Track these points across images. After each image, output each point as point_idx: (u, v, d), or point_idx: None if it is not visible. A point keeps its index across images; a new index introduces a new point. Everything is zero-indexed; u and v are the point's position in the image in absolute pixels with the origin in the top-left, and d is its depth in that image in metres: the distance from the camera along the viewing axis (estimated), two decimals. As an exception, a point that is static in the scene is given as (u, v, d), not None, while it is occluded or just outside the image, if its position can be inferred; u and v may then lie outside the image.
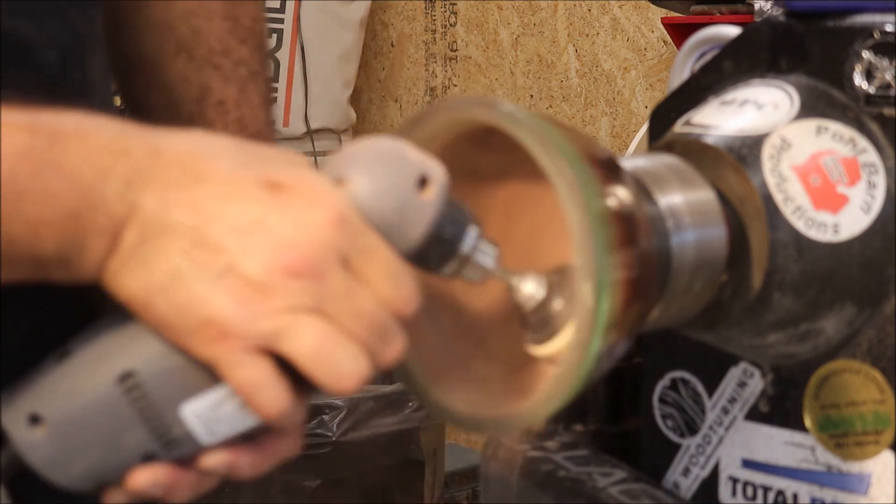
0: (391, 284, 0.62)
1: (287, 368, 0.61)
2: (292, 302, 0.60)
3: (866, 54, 0.80)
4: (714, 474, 0.88)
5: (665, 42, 2.59)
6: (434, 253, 0.65)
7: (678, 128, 0.82)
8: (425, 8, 3.04)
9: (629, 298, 0.67)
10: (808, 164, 0.78)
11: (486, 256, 0.66)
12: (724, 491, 0.88)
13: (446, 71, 3.03)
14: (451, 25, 3.00)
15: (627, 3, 2.67)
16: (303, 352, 0.60)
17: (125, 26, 0.94)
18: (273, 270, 0.60)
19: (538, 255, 0.72)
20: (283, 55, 2.84)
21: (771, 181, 0.77)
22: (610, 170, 0.69)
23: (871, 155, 0.79)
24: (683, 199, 0.75)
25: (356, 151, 0.64)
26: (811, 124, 0.80)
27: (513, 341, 0.71)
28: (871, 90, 0.80)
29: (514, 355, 0.72)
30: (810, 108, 0.80)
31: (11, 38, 0.74)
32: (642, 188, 0.73)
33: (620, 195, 0.68)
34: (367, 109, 3.19)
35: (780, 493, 0.84)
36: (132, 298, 0.61)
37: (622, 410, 0.98)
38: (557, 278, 0.68)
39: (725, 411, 0.87)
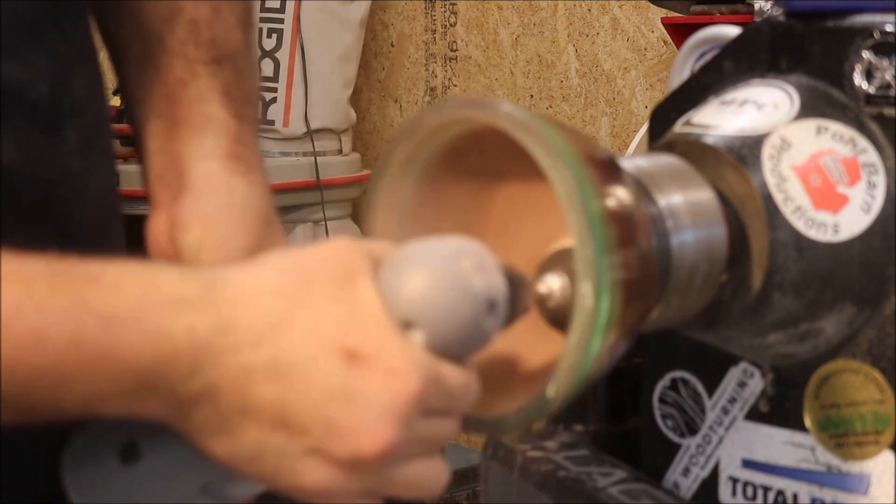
0: (468, 404, 0.64)
1: None
2: (382, 471, 0.61)
3: (866, 54, 0.80)
4: (714, 474, 0.88)
5: (665, 42, 2.59)
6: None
7: (678, 128, 0.82)
8: (425, 8, 3.04)
9: (629, 298, 0.67)
10: (808, 164, 0.78)
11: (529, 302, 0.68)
12: (724, 491, 0.88)
13: (446, 71, 3.03)
14: (451, 25, 3.00)
15: (627, 3, 2.67)
16: (397, 493, 0.62)
17: None
18: (359, 455, 0.60)
19: (540, 254, 0.72)
20: (283, 55, 2.84)
21: (771, 181, 0.77)
22: (610, 170, 0.69)
23: (871, 155, 0.79)
24: (683, 199, 0.75)
25: (421, 284, 0.62)
26: (811, 124, 0.80)
27: (513, 341, 0.71)
28: (871, 90, 0.80)
29: (513, 355, 0.72)
30: (810, 108, 0.80)
31: (8, 84, 0.73)
32: (642, 188, 0.73)
33: (620, 195, 0.68)
34: (367, 109, 3.19)
35: (780, 493, 0.84)
36: (214, 453, 0.61)
37: (622, 410, 0.98)
38: (564, 261, 0.69)
39: (725, 411, 0.87)
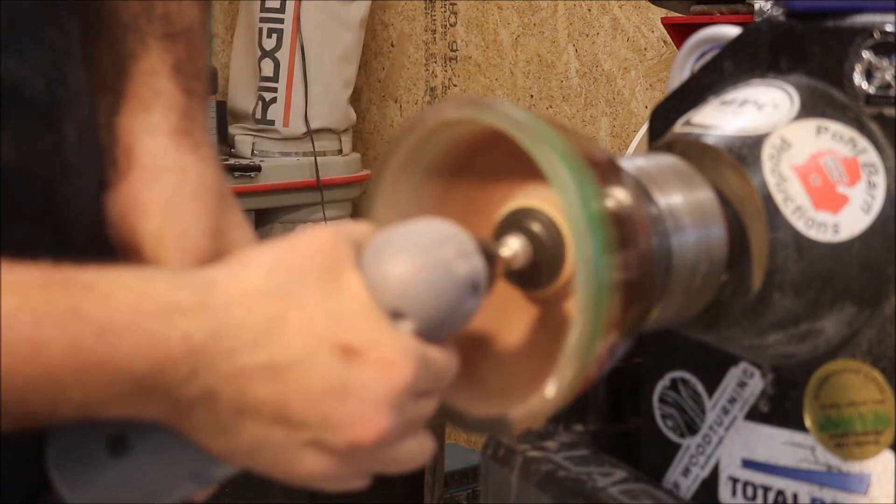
0: (449, 380, 0.66)
1: None
2: (378, 457, 0.64)
3: (866, 54, 0.80)
4: (714, 474, 0.88)
5: (665, 42, 2.59)
6: None
7: (678, 128, 0.82)
8: (425, 8, 3.04)
9: (629, 299, 0.67)
10: (808, 164, 0.78)
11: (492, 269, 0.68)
12: (724, 491, 0.88)
13: (446, 71, 3.03)
14: (451, 25, 3.00)
15: (627, 3, 2.67)
16: (387, 469, 0.66)
17: None
18: (356, 444, 0.62)
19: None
20: (283, 55, 2.84)
21: (771, 181, 0.77)
22: (609, 170, 0.69)
23: (871, 155, 0.79)
24: (683, 199, 0.75)
25: (407, 274, 0.63)
26: (811, 124, 0.80)
27: (513, 342, 0.71)
28: (871, 90, 0.80)
29: (514, 355, 0.72)
30: (810, 108, 0.80)
31: (6, 79, 0.73)
32: (642, 188, 0.73)
33: (620, 196, 0.68)
34: (367, 109, 3.19)
35: (780, 493, 0.84)
36: (211, 448, 0.63)
37: (622, 410, 0.98)
38: (519, 221, 0.69)
39: (725, 411, 0.87)
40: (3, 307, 0.58)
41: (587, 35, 2.74)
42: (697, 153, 0.79)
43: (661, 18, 1.87)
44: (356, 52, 2.95)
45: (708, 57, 1.03)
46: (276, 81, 2.85)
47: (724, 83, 0.85)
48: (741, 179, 0.77)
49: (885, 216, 0.79)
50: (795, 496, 0.84)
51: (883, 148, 0.80)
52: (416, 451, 0.65)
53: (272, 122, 2.84)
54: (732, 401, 0.87)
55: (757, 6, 0.87)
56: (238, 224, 0.82)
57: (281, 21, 2.84)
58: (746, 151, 0.78)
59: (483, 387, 0.71)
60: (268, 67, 2.85)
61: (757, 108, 0.80)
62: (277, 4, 2.84)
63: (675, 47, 1.82)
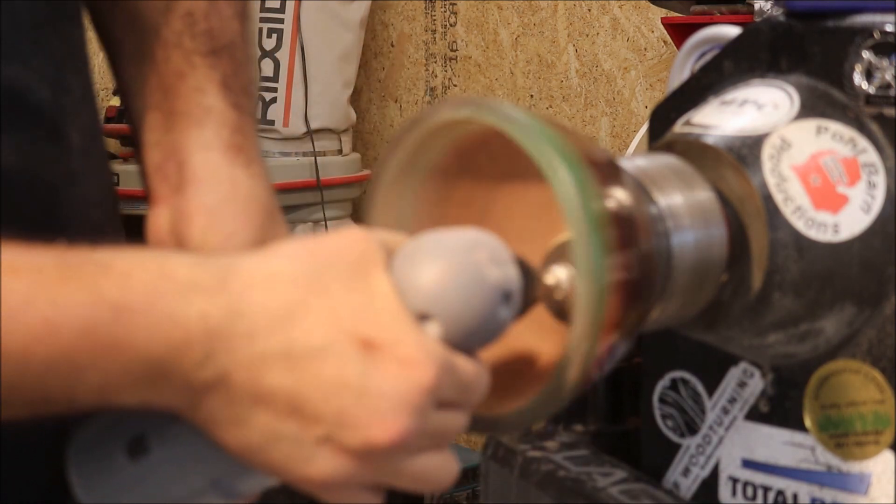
0: (479, 397, 0.64)
1: None
2: (392, 463, 0.61)
3: (866, 54, 0.80)
4: (714, 474, 0.88)
5: (665, 42, 2.59)
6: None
7: (678, 128, 0.82)
8: (425, 8, 3.04)
9: (629, 299, 0.67)
10: (808, 164, 0.78)
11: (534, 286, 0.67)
12: (724, 491, 0.88)
13: (446, 71, 3.03)
14: (451, 25, 3.00)
15: (627, 3, 2.67)
16: (406, 485, 0.62)
17: None
18: (371, 445, 0.60)
19: (540, 255, 0.72)
20: (283, 55, 2.84)
21: (771, 181, 0.77)
22: (609, 171, 0.69)
23: (871, 155, 0.79)
24: (683, 200, 0.75)
25: (436, 276, 0.62)
26: (811, 124, 0.80)
27: (513, 341, 0.71)
28: (871, 90, 0.80)
29: (518, 351, 0.72)
30: (810, 108, 0.80)
31: (11, 86, 0.73)
32: (642, 189, 0.73)
33: (620, 196, 0.68)
34: (367, 109, 3.19)
35: (780, 493, 0.84)
36: (224, 443, 0.61)
37: (622, 410, 0.98)
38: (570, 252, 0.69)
39: (725, 411, 0.87)
40: (18, 287, 0.57)
41: (587, 35, 2.74)
42: (697, 153, 0.79)
43: (661, 18, 1.87)
44: (356, 52, 2.95)
45: (708, 57, 1.03)
46: (276, 81, 2.84)
47: (724, 83, 0.85)
48: (741, 179, 0.77)
49: (885, 216, 0.79)
50: (795, 496, 0.84)
51: (883, 148, 0.80)
52: (437, 468, 0.62)
53: (272, 122, 2.84)
54: (732, 401, 0.87)
55: (757, 6, 0.87)
56: (290, 239, 0.81)
57: (281, 21, 2.84)
58: (746, 151, 0.78)
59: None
60: (268, 67, 2.85)
61: (757, 108, 0.80)
62: (277, 4, 2.84)
63: (675, 47, 1.82)
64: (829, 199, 0.78)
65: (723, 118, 0.80)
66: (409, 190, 0.72)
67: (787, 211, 0.77)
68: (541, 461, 0.92)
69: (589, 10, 2.73)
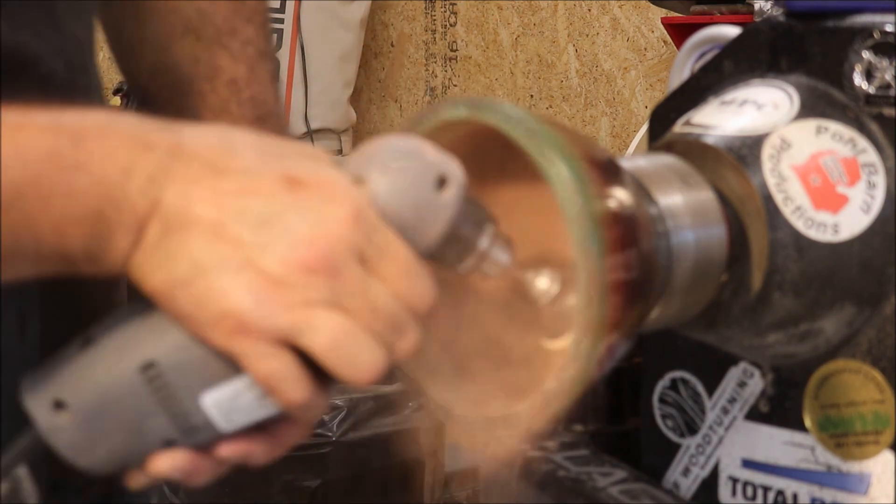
0: (407, 281, 0.63)
1: (307, 360, 0.63)
2: (309, 297, 0.61)
3: (866, 54, 0.80)
4: (714, 474, 0.88)
5: (665, 42, 2.59)
6: (451, 250, 0.66)
7: (678, 128, 0.82)
8: (425, 8, 3.04)
9: (629, 299, 0.67)
10: (808, 164, 0.78)
11: (503, 253, 0.67)
12: (724, 491, 0.88)
13: (446, 71, 3.03)
14: (451, 25, 3.00)
15: (627, 3, 2.67)
16: (321, 345, 0.62)
17: (129, 12, 0.95)
18: (290, 266, 0.61)
19: (542, 255, 0.72)
20: (283, 55, 2.84)
21: (771, 181, 0.77)
22: (609, 171, 0.69)
23: (870, 155, 0.79)
24: (683, 200, 0.75)
25: (375, 150, 0.64)
26: (811, 124, 0.80)
27: (513, 341, 0.71)
28: (871, 90, 0.80)
29: (515, 355, 0.72)
30: (810, 108, 0.80)
31: (17, 51, 0.75)
32: (642, 189, 0.73)
33: (620, 196, 0.68)
34: (367, 109, 3.19)
35: (779, 492, 0.84)
36: (155, 291, 0.63)
37: (622, 410, 0.98)
38: (571, 273, 0.68)
39: (725, 411, 0.87)
40: None
41: (587, 35, 2.74)
42: (697, 153, 0.79)
43: (661, 18, 1.87)
44: (356, 52, 2.95)
45: (708, 57, 1.03)
46: (276, 81, 2.85)
47: (724, 83, 0.85)
48: (741, 179, 0.77)
49: (885, 216, 0.79)
50: (795, 496, 0.84)
51: (883, 148, 0.80)
52: (353, 339, 0.62)
53: (272, 122, 2.84)
54: (732, 401, 0.87)
55: (757, 6, 0.87)
56: None
57: (281, 21, 2.84)
58: (746, 151, 0.78)
59: (484, 388, 0.71)
60: (268, 67, 2.85)
61: (757, 109, 0.80)
62: (277, 4, 2.84)
63: (675, 47, 1.82)
64: (829, 199, 0.78)
65: (723, 118, 0.80)
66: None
67: (786, 211, 0.77)
68: (541, 461, 0.92)
69: (589, 10, 2.73)
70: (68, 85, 0.78)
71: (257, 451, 0.66)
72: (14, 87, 0.74)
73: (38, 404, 0.65)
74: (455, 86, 3.01)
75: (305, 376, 0.63)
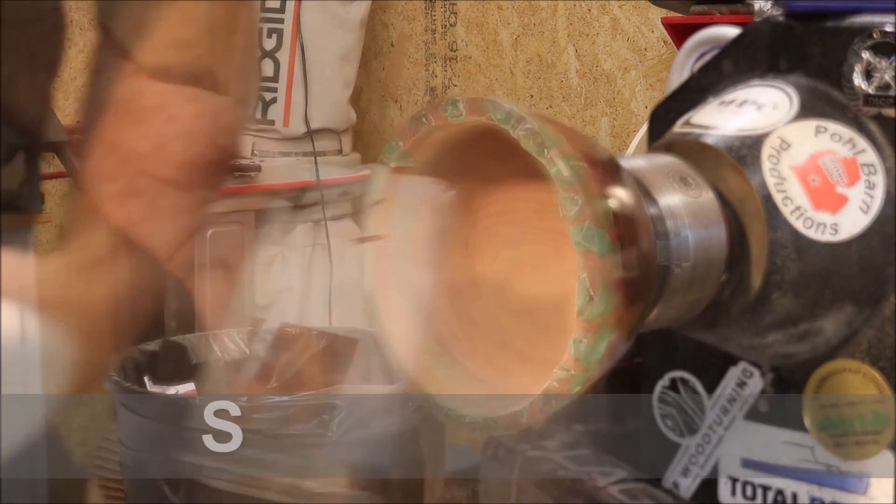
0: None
1: None
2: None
3: (866, 54, 0.80)
4: (714, 474, 0.88)
5: (665, 42, 2.59)
6: None
7: (678, 128, 0.82)
8: (425, 8, 3.04)
9: (629, 299, 0.67)
10: (807, 165, 0.78)
11: None
12: (723, 490, 0.88)
13: (446, 71, 3.03)
14: (451, 25, 3.00)
15: (627, 3, 2.67)
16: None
17: None
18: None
19: (542, 255, 0.72)
20: (283, 55, 2.84)
21: (770, 181, 0.77)
22: (610, 170, 0.69)
23: (870, 155, 0.79)
24: (683, 200, 0.75)
25: None
26: (810, 124, 0.80)
27: (514, 341, 0.72)
28: (871, 90, 0.80)
29: (515, 356, 0.72)
30: (809, 108, 0.80)
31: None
32: (642, 188, 0.73)
33: (620, 196, 0.68)
34: (367, 109, 3.19)
35: (779, 492, 0.85)
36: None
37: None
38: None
39: (725, 411, 0.87)
40: None
41: (587, 35, 2.74)
42: (697, 153, 0.79)
43: (661, 18, 1.87)
44: (356, 52, 2.95)
45: (708, 57, 1.03)
46: (276, 81, 2.85)
47: (724, 83, 0.85)
48: (741, 179, 0.77)
49: (885, 216, 0.79)
50: (795, 496, 0.84)
51: (882, 148, 0.80)
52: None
53: (272, 122, 2.84)
54: (732, 400, 0.87)
55: (757, 6, 0.87)
56: None
57: (281, 21, 2.84)
58: (746, 151, 0.78)
59: (484, 387, 0.71)
60: (268, 67, 2.85)
61: (756, 109, 0.80)
62: (277, 4, 2.84)
63: (675, 47, 1.81)
64: (829, 199, 0.78)
65: (722, 118, 0.80)
66: (410, 190, 0.72)
67: (786, 211, 0.77)
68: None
69: (589, 11, 2.73)
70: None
71: None
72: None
73: None
74: (455, 86, 3.01)
75: None
